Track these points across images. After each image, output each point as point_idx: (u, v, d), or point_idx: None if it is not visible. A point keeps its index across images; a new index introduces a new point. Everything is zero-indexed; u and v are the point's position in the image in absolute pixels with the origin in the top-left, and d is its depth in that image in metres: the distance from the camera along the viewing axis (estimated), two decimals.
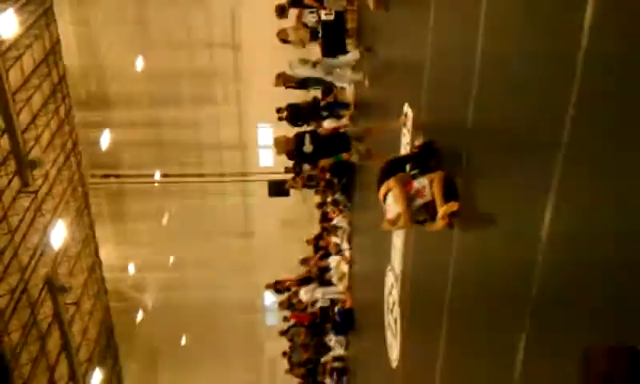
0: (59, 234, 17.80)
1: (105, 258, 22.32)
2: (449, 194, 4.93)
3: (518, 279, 3.61)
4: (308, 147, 7.78)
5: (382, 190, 5.34)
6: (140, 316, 24.89)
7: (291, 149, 7.77)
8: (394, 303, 7.79)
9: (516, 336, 3.52)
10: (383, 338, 8.25)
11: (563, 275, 3.12)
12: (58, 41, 18.76)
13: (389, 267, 8.13)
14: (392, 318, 7.87)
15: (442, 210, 4.86)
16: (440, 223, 4.99)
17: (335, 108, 14.15)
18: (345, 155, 10.62)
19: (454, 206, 4.83)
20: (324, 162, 10.85)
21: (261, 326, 25.63)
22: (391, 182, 5.24)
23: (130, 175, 22.17)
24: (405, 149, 7.34)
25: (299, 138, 7.86)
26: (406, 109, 7.27)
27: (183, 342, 25.31)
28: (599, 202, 2.79)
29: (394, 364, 7.55)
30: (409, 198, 5.09)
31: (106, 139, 21.30)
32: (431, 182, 5.06)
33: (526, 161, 3.63)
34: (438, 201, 4.93)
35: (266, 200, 21.32)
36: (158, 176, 22.27)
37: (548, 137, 3.22)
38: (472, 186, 4.79)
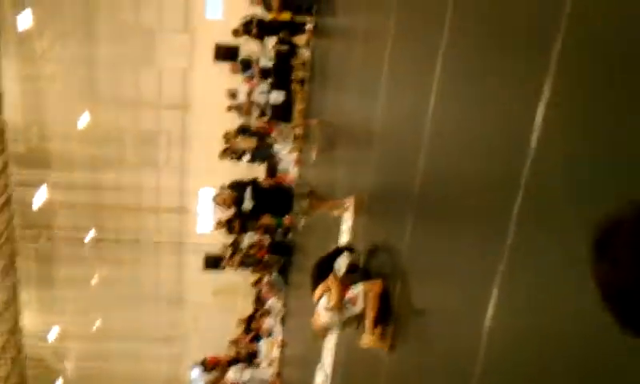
0: None
1: (27, 322, 21.39)
2: (382, 311, 4.79)
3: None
4: (248, 205, 7.64)
5: (318, 291, 5.21)
6: (58, 382, 23.78)
7: (231, 204, 7.67)
8: None
9: None
10: None
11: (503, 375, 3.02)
12: (0, 95, 18.47)
13: (319, 365, 8.05)
14: None
15: (367, 339, 4.79)
16: (370, 342, 4.94)
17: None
18: (286, 220, 10.51)
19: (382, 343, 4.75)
20: (266, 220, 10.64)
21: None
22: (331, 283, 5.12)
23: (63, 238, 21.54)
24: (345, 234, 7.42)
25: (240, 193, 7.68)
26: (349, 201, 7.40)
27: None
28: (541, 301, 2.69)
29: None
30: (343, 303, 4.99)
31: (41, 198, 20.75)
32: (366, 294, 4.92)
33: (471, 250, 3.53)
34: (369, 323, 4.78)
35: (200, 272, 21.03)
36: (90, 239, 21.71)
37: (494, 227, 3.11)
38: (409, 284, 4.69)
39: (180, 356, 23.91)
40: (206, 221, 21.90)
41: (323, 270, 5.40)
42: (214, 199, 8.12)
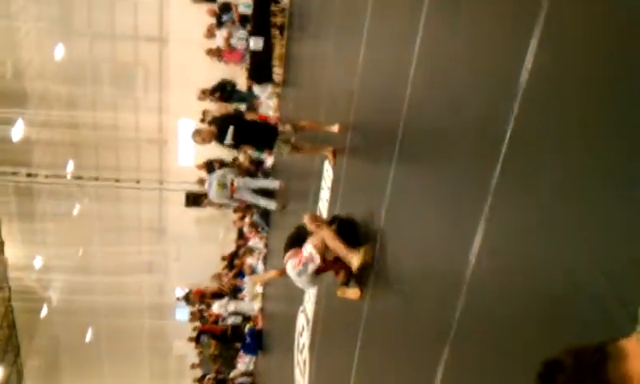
0: None
1: (10, 256, 21.69)
2: (351, 240, 5.22)
3: (440, 313, 3.43)
4: (229, 141, 7.65)
5: (287, 256, 5.65)
6: (44, 313, 24.31)
7: (212, 141, 7.70)
8: (303, 345, 8.19)
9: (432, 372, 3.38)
10: (292, 366, 8.51)
11: (487, 306, 2.99)
12: None
13: (301, 308, 8.50)
14: (301, 358, 8.27)
15: (340, 291, 5.30)
16: (352, 293, 5.41)
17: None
18: (267, 152, 10.54)
19: (355, 293, 5.22)
20: (246, 148, 10.69)
21: (169, 324, 25.54)
22: (290, 252, 5.58)
23: (43, 175, 21.59)
24: (324, 204, 7.79)
25: (222, 129, 7.48)
26: (327, 166, 7.71)
27: (88, 340, 24.89)
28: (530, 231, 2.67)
29: None
30: (302, 264, 5.39)
31: (18, 133, 20.65)
32: (317, 246, 5.29)
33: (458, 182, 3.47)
34: (343, 254, 5.17)
35: (181, 207, 21.35)
36: (70, 177, 21.80)
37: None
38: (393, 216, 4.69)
39: (162, 286, 24.56)
40: (186, 153, 22.05)
41: (297, 239, 5.73)
42: (193, 137, 8.06)
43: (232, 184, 10.51)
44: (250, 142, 8.11)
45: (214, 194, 10.72)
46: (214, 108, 11.24)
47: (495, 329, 2.87)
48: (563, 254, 2.39)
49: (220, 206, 14.82)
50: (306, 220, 5.67)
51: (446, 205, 3.66)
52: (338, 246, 5.22)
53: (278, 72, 13.40)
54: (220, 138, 7.53)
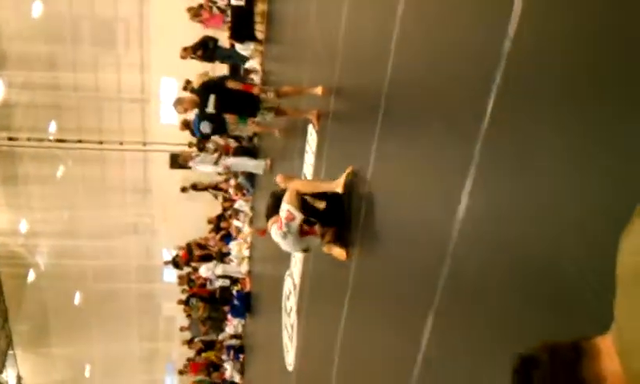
0: None
1: None
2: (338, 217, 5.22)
3: (427, 274, 3.35)
4: (211, 109, 7.54)
5: (270, 222, 5.52)
6: (31, 278, 24.22)
7: (194, 109, 7.60)
8: (291, 308, 8.16)
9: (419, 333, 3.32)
10: (280, 329, 8.53)
11: (475, 261, 2.92)
12: None
13: (288, 272, 8.46)
14: (289, 322, 8.25)
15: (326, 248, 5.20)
16: (339, 253, 5.33)
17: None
18: (250, 121, 10.49)
19: (342, 253, 5.18)
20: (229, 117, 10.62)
21: (157, 286, 25.55)
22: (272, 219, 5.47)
23: (25, 138, 21.23)
24: (308, 168, 7.65)
25: (204, 97, 7.37)
26: (311, 129, 7.56)
27: (76, 304, 24.88)
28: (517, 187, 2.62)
29: (289, 367, 7.96)
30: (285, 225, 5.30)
31: None
32: (292, 201, 5.21)
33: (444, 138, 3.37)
34: (324, 187, 5.21)
35: (167, 169, 21.09)
36: (53, 139, 21.46)
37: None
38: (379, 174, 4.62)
39: (150, 248, 24.47)
40: (169, 111, 21.72)
41: (275, 205, 5.61)
42: (174, 106, 7.92)
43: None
44: (233, 110, 7.96)
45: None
46: (195, 78, 10.99)
47: (483, 287, 2.83)
48: (551, 218, 2.32)
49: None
50: (279, 181, 5.63)
51: (433, 164, 3.56)
52: (313, 186, 5.23)
53: (260, 29, 13.05)
54: (202, 106, 7.40)
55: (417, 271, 3.67)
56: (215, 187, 17.10)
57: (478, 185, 2.87)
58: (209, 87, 7.64)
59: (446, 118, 3.36)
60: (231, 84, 7.77)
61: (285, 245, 5.50)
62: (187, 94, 9.16)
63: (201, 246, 16.15)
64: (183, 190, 16.17)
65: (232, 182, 14.83)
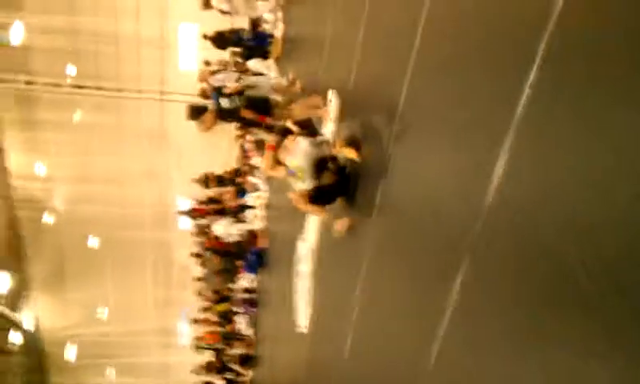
0: None
1: (13, 164, 21.61)
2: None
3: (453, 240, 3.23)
4: (226, 103, 7.65)
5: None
6: (48, 221, 24.48)
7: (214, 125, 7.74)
8: (305, 273, 8.11)
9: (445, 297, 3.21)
10: (292, 289, 8.52)
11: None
12: None
13: (301, 237, 8.40)
14: (304, 284, 8.21)
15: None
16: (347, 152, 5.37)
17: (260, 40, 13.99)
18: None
19: (353, 153, 5.19)
20: (246, 113, 10.65)
21: (172, 235, 25.73)
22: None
23: (43, 83, 21.17)
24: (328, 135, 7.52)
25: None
26: (331, 96, 7.40)
27: (91, 248, 25.19)
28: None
29: (303, 329, 7.96)
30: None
31: (18, 37, 20.13)
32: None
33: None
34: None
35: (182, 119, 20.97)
36: (71, 85, 21.39)
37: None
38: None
39: (165, 196, 24.55)
40: (188, 57, 21.55)
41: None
42: (197, 127, 8.17)
43: None
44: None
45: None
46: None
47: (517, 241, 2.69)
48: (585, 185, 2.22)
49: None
50: None
51: (467, 132, 3.35)
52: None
53: None
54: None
55: (444, 229, 3.46)
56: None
57: (514, 151, 2.75)
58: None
59: (484, 80, 3.18)
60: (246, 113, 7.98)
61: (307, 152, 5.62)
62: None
63: (214, 201, 16.13)
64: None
65: (249, 137, 14.74)
